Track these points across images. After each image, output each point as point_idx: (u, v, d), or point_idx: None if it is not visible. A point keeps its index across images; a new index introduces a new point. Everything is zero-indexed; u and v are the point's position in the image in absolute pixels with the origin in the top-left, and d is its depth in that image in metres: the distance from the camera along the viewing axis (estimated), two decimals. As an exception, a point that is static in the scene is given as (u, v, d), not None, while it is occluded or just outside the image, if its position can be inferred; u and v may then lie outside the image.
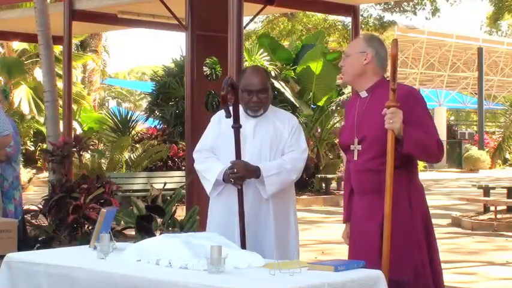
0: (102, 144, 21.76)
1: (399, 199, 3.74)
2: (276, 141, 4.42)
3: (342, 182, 16.44)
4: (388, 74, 3.91)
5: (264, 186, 4.33)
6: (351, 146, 3.92)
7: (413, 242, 3.81)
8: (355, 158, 3.90)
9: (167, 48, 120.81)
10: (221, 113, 4.54)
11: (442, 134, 34.20)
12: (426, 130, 3.79)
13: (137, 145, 16.56)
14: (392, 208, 3.70)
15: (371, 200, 3.85)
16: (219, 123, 4.53)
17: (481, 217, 12.60)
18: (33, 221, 9.31)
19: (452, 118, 49.17)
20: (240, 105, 4.41)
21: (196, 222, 7.42)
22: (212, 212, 4.55)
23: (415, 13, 21.87)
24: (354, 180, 3.97)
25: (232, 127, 4.31)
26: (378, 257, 3.73)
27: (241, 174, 4.28)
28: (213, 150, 4.51)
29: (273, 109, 4.54)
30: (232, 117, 4.31)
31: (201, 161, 4.51)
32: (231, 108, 4.30)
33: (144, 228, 8.19)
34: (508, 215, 12.51)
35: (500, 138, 31.17)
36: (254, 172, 4.30)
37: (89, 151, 15.93)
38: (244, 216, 4.28)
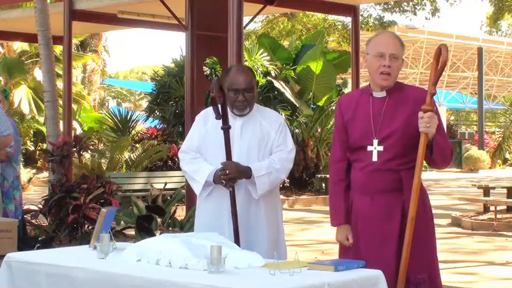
0: (102, 144, 21.76)
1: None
2: (264, 140, 4.39)
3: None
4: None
5: (255, 186, 4.30)
6: (369, 146, 3.85)
7: (427, 239, 3.86)
8: (375, 158, 3.83)
9: (167, 48, 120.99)
10: (206, 112, 4.51)
11: (442, 134, 34.03)
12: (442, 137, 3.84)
13: (137, 145, 16.55)
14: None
15: (388, 199, 3.82)
16: (204, 123, 4.47)
17: (481, 217, 12.58)
18: (33, 221, 9.32)
19: (452, 118, 49.15)
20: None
21: (196, 222, 7.40)
22: (200, 213, 4.50)
23: (415, 13, 21.87)
24: (366, 181, 3.86)
25: (222, 128, 4.27)
26: (395, 258, 3.74)
27: (233, 175, 4.24)
28: (199, 150, 4.45)
29: (258, 108, 4.50)
30: (221, 119, 4.27)
31: (189, 161, 4.44)
32: (220, 109, 4.26)
33: (144, 228, 8.19)
34: (508, 215, 12.49)
35: (500, 138, 31.10)
36: (245, 173, 4.27)
37: (89, 151, 15.94)
38: (237, 217, 4.25)
